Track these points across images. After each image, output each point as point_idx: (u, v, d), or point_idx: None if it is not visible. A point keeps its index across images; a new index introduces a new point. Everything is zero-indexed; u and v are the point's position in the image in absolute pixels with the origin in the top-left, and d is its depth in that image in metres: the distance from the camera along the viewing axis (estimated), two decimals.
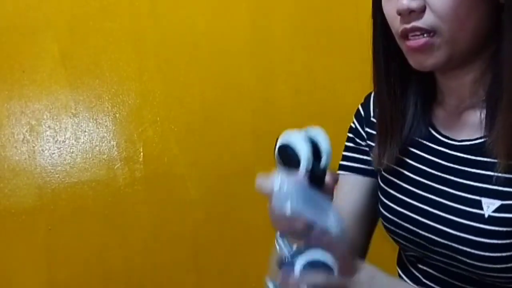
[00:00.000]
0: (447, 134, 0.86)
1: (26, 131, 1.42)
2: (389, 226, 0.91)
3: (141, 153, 1.47)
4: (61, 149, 1.44)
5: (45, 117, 1.43)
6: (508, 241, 0.76)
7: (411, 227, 0.87)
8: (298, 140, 0.71)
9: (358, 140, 0.98)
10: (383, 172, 0.93)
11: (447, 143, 0.86)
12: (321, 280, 0.68)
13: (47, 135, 1.43)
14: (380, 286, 0.74)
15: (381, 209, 0.93)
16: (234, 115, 1.50)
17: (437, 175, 0.85)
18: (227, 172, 1.50)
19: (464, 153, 0.83)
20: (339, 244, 0.68)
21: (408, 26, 0.77)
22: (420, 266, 0.90)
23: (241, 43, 1.50)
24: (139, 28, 1.45)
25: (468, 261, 0.79)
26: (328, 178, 0.74)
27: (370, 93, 0.97)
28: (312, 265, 0.67)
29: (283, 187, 0.67)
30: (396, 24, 0.79)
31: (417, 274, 0.91)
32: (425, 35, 0.77)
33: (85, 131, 1.45)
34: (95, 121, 1.45)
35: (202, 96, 1.49)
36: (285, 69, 1.52)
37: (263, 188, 0.69)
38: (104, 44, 1.44)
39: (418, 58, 0.79)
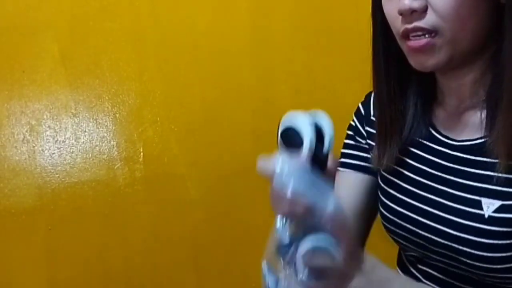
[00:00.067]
0: (447, 134, 0.86)
1: (26, 131, 1.42)
2: (389, 226, 0.91)
3: (141, 153, 1.47)
4: (61, 149, 1.44)
5: (45, 117, 1.43)
6: (508, 241, 0.76)
7: (411, 227, 0.87)
8: (302, 122, 0.69)
9: (358, 138, 0.98)
10: (383, 172, 0.93)
11: (447, 143, 0.86)
12: (324, 265, 0.65)
13: (47, 135, 1.43)
14: (380, 277, 0.73)
15: (381, 209, 0.93)
16: (234, 115, 1.50)
17: (437, 175, 0.85)
18: (227, 172, 1.50)
19: (464, 153, 0.82)
20: (342, 228, 0.66)
21: (410, 26, 0.77)
22: (420, 266, 0.90)
23: (241, 43, 1.50)
24: (139, 28, 1.45)
25: (468, 261, 0.79)
26: (330, 163, 0.72)
27: (371, 92, 0.97)
28: (314, 250, 0.65)
29: (284, 168, 0.64)
30: (397, 24, 0.79)
31: (417, 274, 0.91)
32: (426, 35, 0.76)
33: (85, 131, 1.45)
34: (95, 121, 1.45)
35: (202, 96, 1.49)
36: (285, 69, 1.52)
37: (264, 169, 0.67)
38: (104, 44, 1.44)
39: (419, 59, 0.79)
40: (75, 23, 1.43)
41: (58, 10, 1.42)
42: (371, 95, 0.97)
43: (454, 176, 0.82)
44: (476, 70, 0.81)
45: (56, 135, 1.44)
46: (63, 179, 1.44)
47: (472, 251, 0.78)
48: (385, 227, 0.93)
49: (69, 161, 1.44)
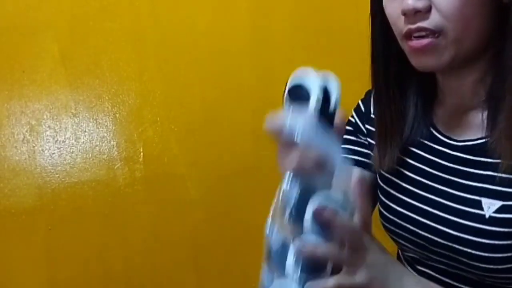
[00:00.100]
0: (448, 134, 0.86)
1: (26, 131, 1.42)
2: (388, 226, 0.91)
3: (141, 153, 1.47)
4: (61, 149, 1.44)
5: (45, 117, 1.43)
6: (508, 242, 0.76)
7: (411, 227, 0.86)
8: (310, 79, 0.69)
9: (358, 134, 0.98)
10: (382, 172, 0.93)
11: (448, 143, 0.85)
12: (335, 222, 0.63)
13: (47, 135, 1.43)
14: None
15: (381, 208, 0.92)
16: (234, 115, 1.50)
17: (437, 175, 0.85)
18: (227, 172, 1.50)
19: (465, 154, 0.82)
20: (349, 182, 0.65)
21: (413, 26, 0.76)
22: (419, 267, 0.90)
23: (241, 43, 1.50)
24: (139, 28, 1.45)
25: (468, 261, 0.79)
26: (337, 121, 0.70)
27: (371, 89, 0.96)
28: (323, 207, 0.63)
29: (294, 121, 0.64)
30: (400, 25, 0.79)
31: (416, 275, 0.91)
32: (429, 36, 0.76)
33: (85, 131, 1.45)
34: (95, 121, 1.45)
35: (202, 96, 1.49)
36: (285, 69, 1.52)
37: (273, 125, 0.66)
38: (104, 44, 1.44)
39: (421, 59, 0.79)
40: (75, 23, 1.43)
41: (58, 10, 1.41)
42: (371, 92, 0.97)
43: (455, 176, 0.82)
44: (477, 70, 0.81)
45: (56, 135, 1.43)
46: (63, 179, 1.44)
47: (473, 251, 0.78)
48: (385, 227, 0.93)
49: (69, 161, 1.44)
